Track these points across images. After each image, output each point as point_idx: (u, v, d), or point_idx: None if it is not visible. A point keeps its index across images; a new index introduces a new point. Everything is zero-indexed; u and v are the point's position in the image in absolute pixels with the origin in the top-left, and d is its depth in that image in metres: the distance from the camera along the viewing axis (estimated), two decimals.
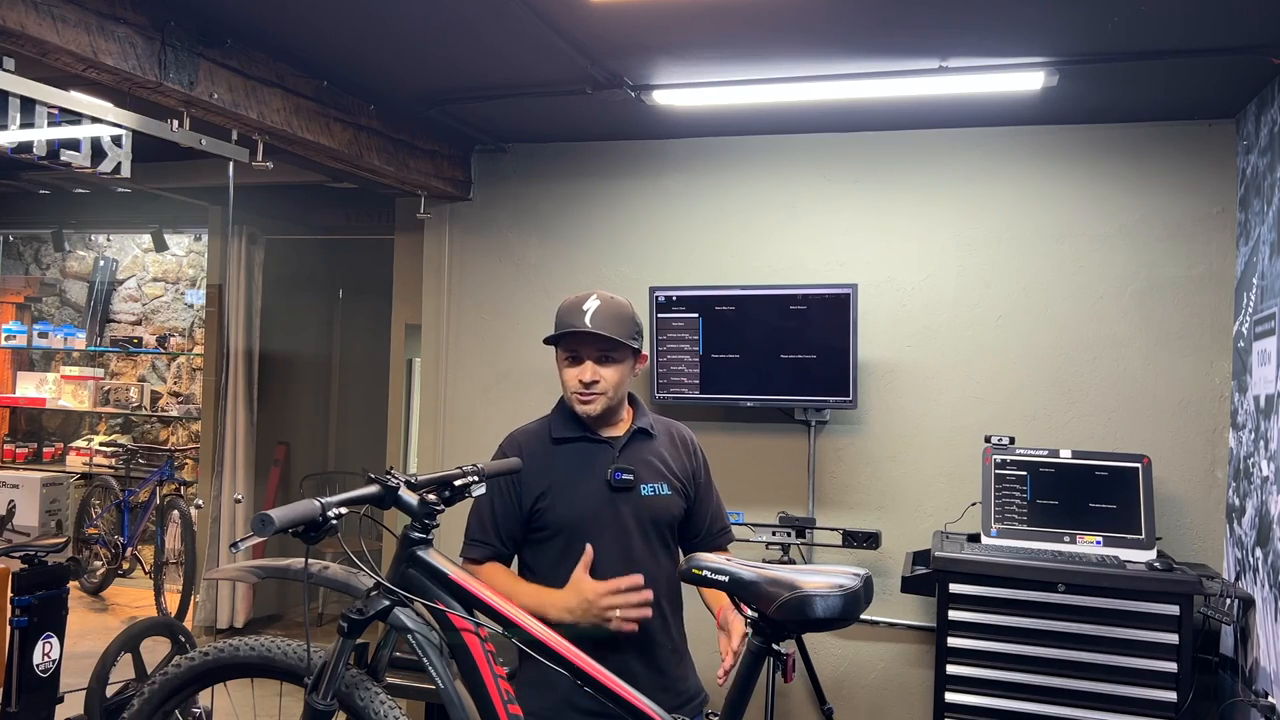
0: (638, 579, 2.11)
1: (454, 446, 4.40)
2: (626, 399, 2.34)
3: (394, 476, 1.90)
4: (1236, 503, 3.36)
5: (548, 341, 2.27)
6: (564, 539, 2.20)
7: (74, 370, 7.25)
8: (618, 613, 2.07)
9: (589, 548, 2.15)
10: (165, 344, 7.11)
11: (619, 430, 2.30)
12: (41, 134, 2.62)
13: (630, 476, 2.23)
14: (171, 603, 5.75)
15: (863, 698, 3.88)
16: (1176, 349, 3.61)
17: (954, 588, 3.22)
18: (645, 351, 2.34)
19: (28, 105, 2.54)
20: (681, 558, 2.24)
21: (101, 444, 7.06)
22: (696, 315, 3.87)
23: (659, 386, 3.91)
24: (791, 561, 3.71)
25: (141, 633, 3.63)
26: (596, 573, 2.13)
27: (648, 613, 2.08)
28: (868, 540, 3.64)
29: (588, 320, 2.19)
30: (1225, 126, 3.57)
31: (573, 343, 2.23)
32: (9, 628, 3.26)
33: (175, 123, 2.95)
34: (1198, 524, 3.55)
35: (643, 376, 3.93)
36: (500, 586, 2.12)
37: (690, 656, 2.34)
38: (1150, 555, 3.20)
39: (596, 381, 2.21)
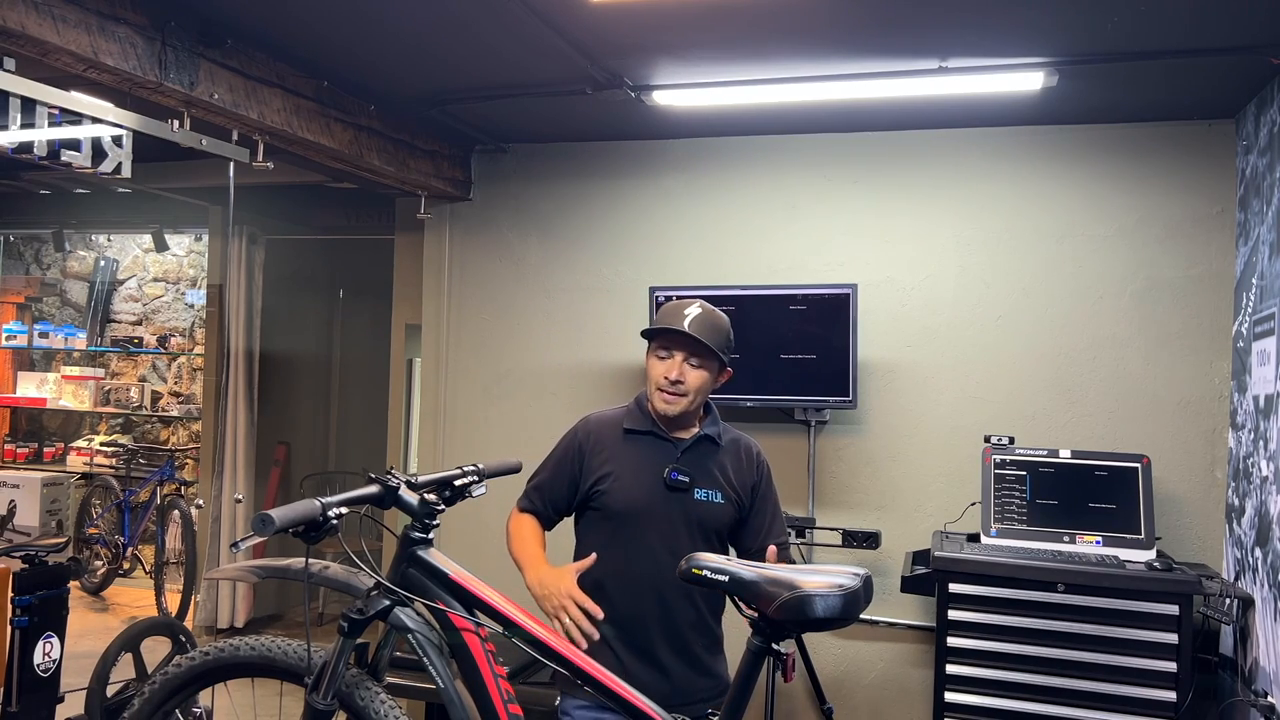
0: (598, 614, 2.09)
1: (454, 446, 4.40)
2: (703, 407, 2.41)
3: (394, 476, 1.91)
4: (1236, 503, 3.36)
5: (645, 335, 2.35)
6: (615, 524, 2.30)
7: (74, 370, 7.25)
8: (567, 621, 2.09)
9: (594, 555, 2.24)
10: (166, 344, 7.11)
11: (687, 434, 2.37)
12: (42, 134, 2.62)
13: (686, 479, 2.30)
14: (172, 602, 5.75)
15: (863, 698, 3.88)
16: (1176, 349, 3.61)
17: (954, 587, 3.23)
18: (731, 369, 2.43)
19: (28, 105, 2.54)
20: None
21: (102, 444, 7.06)
22: None
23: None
24: (791, 561, 3.71)
25: (142, 633, 3.63)
26: (641, 563, 2.26)
27: (583, 643, 2.06)
28: (868, 540, 3.64)
29: (687, 324, 2.27)
30: (1225, 126, 3.57)
31: (668, 340, 2.30)
32: (9, 627, 3.26)
33: (175, 123, 2.95)
34: (1197, 524, 3.55)
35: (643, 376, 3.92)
36: (519, 533, 2.33)
37: (724, 652, 2.43)
38: (1150, 555, 3.20)
39: (681, 381, 2.28)
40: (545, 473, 2.41)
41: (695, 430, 2.38)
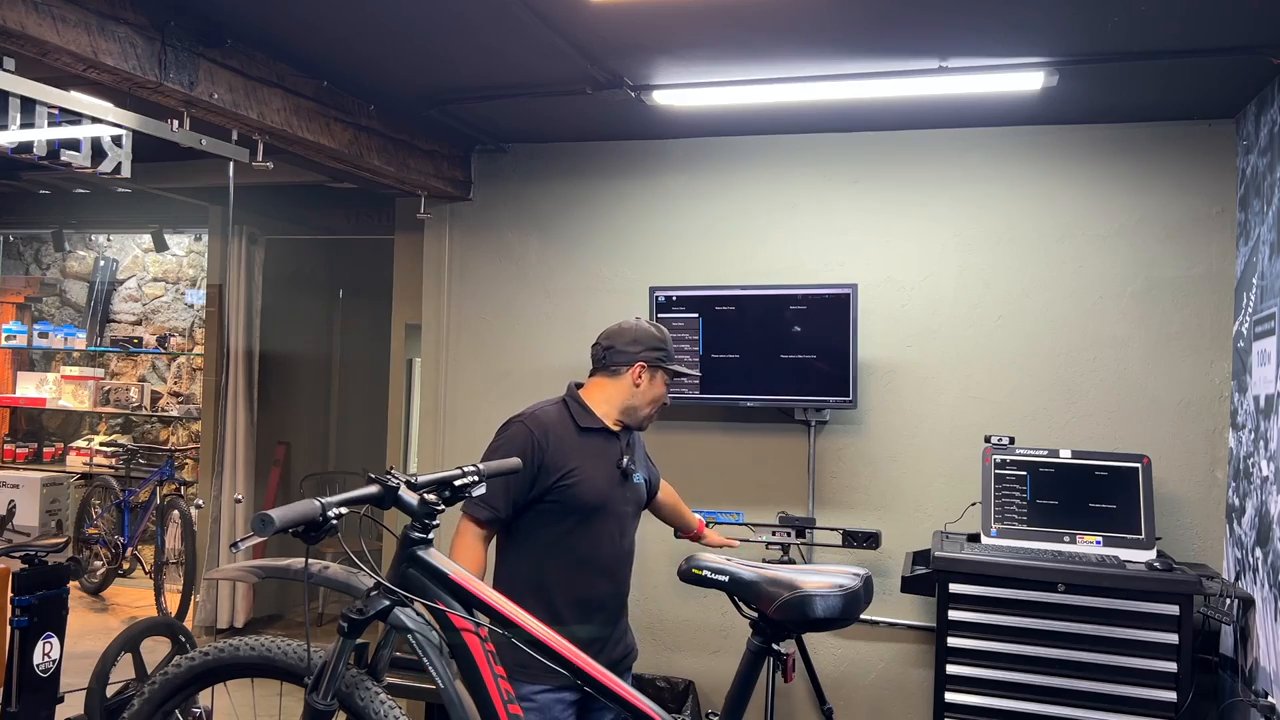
0: None
1: (454, 446, 4.40)
2: None
3: (394, 476, 1.90)
4: (1236, 503, 3.36)
5: (668, 367, 2.60)
6: (579, 515, 2.44)
7: (74, 370, 7.25)
8: None
9: None
10: (165, 344, 7.11)
11: (618, 426, 2.57)
12: (42, 134, 2.62)
13: (634, 466, 2.58)
14: (172, 603, 5.75)
15: (863, 698, 3.88)
16: (1176, 349, 3.61)
17: (954, 588, 3.23)
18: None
19: (28, 105, 2.54)
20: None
21: (102, 444, 7.06)
22: (696, 315, 3.87)
23: None
24: (791, 561, 3.71)
25: (141, 633, 3.63)
26: (599, 547, 2.46)
27: None
28: (868, 540, 3.64)
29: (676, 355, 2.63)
30: (1225, 126, 3.57)
31: (679, 372, 2.63)
32: (9, 628, 3.26)
33: (175, 123, 2.95)
34: (1198, 524, 3.55)
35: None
36: (469, 563, 2.34)
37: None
38: (1150, 555, 3.20)
39: None
40: (501, 478, 2.38)
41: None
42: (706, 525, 3.07)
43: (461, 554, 2.38)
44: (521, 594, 2.22)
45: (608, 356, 2.56)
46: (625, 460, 2.52)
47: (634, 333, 2.57)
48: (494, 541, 2.50)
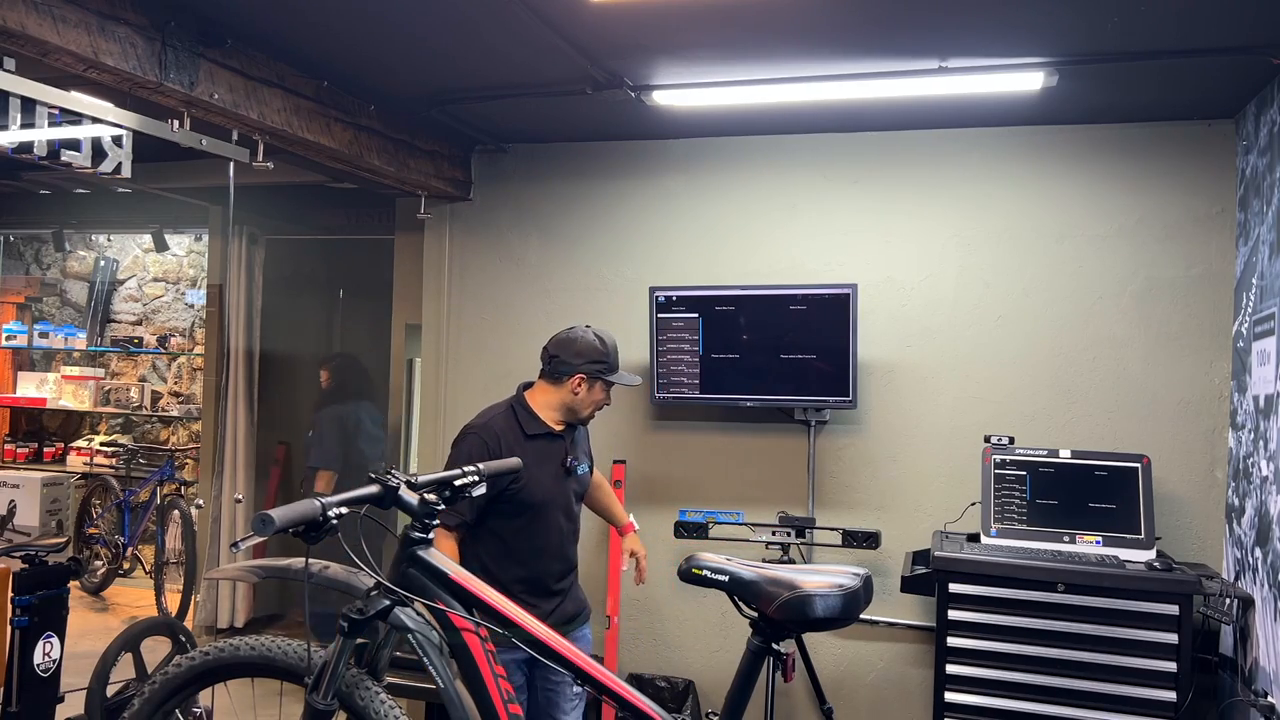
0: None
1: None
2: None
3: (394, 476, 1.91)
4: (1236, 503, 3.36)
5: (606, 378, 2.84)
6: (531, 511, 2.75)
7: (74, 370, 7.25)
8: None
9: None
10: (166, 344, 7.11)
11: (560, 426, 2.85)
12: (42, 134, 2.62)
13: (576, 462, 2.87)
14: (172, 602, 5.75)
15: (863, 698, 3.88)
16: (1176, 349, 3.61)
17: (954, 587, 3.23)
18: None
19: (28, 105, 2.54)
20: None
21: (102, 444, 7.06)
22: (696, 315, 3.87)
23: (659, 386, 3.91)
24: (791, 561, 3.71)
25: (142, 632, 3.63)
26: (551, 534, 2.79)
27: None
28: (868, 540, 3.64)
29: (620, 364, 2.89)
30: (1225, 126, 3.57)
31: (614, 382, 2.86)
32: (9, 627, 3.26)
33: (175, 123, 2.95)
34: (1197, 524, 3.55)
35: (643, 375, 3.92)
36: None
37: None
38: (1150, 555, 3.20)
39: None
40: None
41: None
42: (635, 529, 3.29)
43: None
44: (483, 577, 2.39)
45: (552, 365, 2.82)
46: (569, 459, 2.83)
47: (578, 345, 2.82)
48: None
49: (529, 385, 2.89)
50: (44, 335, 7.18)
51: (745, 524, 3.76)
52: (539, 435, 2.79)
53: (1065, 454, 3.41)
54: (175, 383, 7.32)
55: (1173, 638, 3.02)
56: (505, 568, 2.74)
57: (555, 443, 2.82)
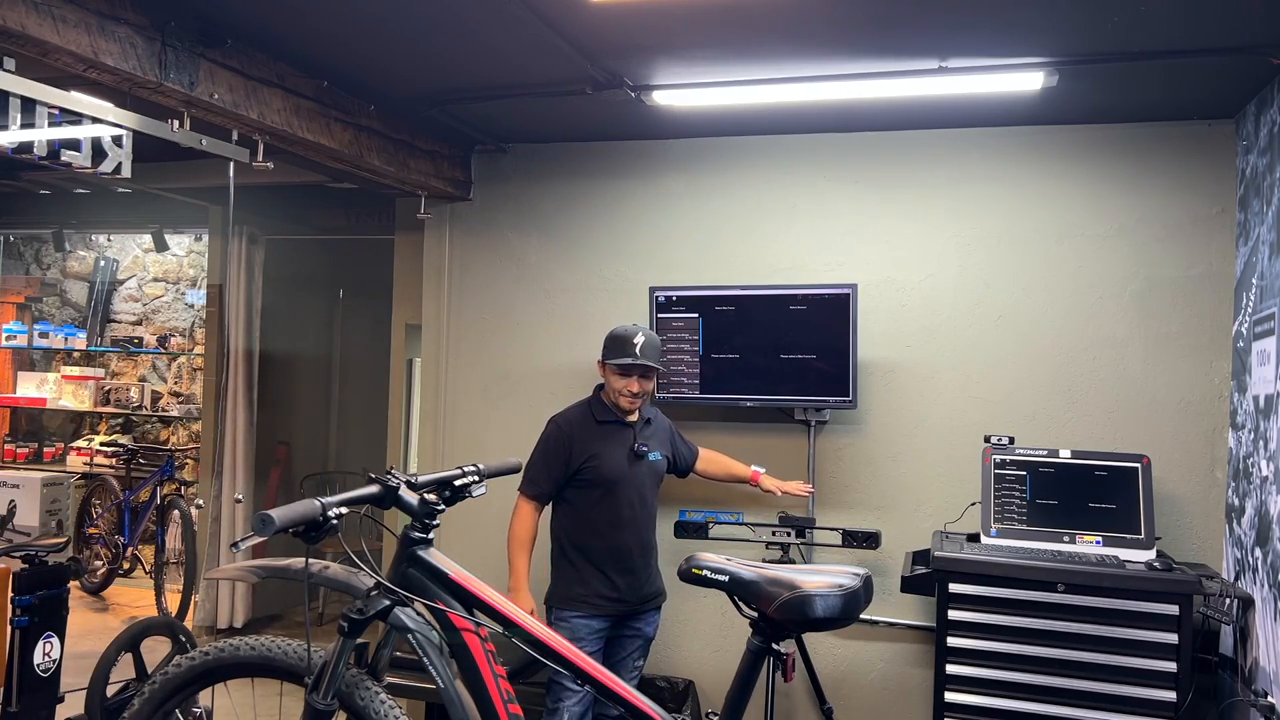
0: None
1: (454, 446, 4.40)
2: None
3: (394, 476, 1.91)
4: (1236, 503, 3.36)
5: (611, 363, 3.21)
6: (603, 488, 3.21)
7: (74, 370, 7.25)
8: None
9: (534, 607, 3.17)
10: (166, 344, 7.11)
11: (635, 418, 3.31)
12: (42, 134, 2.62)
13: (645, 448, 3.29)
14: (172, 602, 5.75)
15: (863, 698, 3.88)
16: (1176, 349, 3.61)
17: (954, 587, 3.23)
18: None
19: (28, 105, 2.54)
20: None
21: (102, 444, 7.06)
22: (696, 315, 3.87)
23: (659, 386, 3.91)
24: (791, 561, 3.71)
25: (142, 632, 3.63)
26: (619, 511, 3.21)
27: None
28: (868, 540, 3.64)
29: (639, 352, 3.18)
30: (1225, 126, 3.57)
31: (628, 368, 3.20)
32: (9, 627, 3.26)
33: (175, 123, 2.95)
34: (1197, 524, 3.55)
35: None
36: (522, 539, 3.21)
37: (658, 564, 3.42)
38: (1150, 555, 3.20)
39: (639, 394, 3.24)
40: (544, 463, 3.25)
41: (638, 415, 3.32)
42: (763, 471, 3.64)
43: (520, 523, 3.22)
44: (569, 546, 3.23)
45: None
46: (637, 445, 3.26)
47: (607, 338, 3.25)
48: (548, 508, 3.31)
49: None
50: (44, 335, 7.18)
51: (745, 524, 3.76)
52: (608, 421, 3.26)
53: (1065, 454, 3.41)
54: (175, 383, 7.32)
55: (1173, 638, 3.02)
56: (585, 538, 3.20)
57: (624, 429, 3.27)
